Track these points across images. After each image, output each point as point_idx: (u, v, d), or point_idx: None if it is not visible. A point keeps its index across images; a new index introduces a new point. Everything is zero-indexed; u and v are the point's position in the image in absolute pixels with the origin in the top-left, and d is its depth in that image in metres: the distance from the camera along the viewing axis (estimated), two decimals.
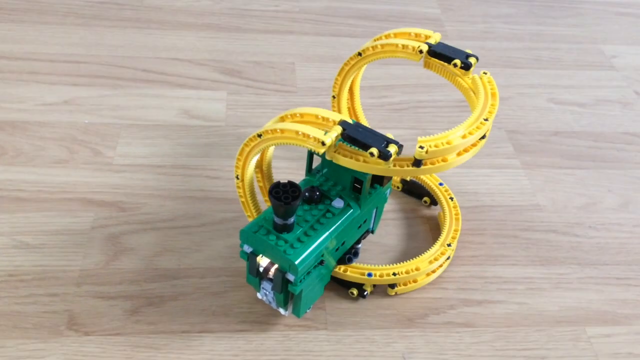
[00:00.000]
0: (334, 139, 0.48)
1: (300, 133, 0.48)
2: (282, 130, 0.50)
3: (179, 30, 0.95)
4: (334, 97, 0.68)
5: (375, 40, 0.61)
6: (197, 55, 0.90)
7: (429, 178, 0.69)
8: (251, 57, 0.92)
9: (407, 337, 0.57)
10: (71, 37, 0.91)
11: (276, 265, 0.51)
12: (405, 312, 0.59)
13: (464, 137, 0.50)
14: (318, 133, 0.48)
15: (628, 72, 0.98)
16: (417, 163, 0.49)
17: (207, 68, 0.88)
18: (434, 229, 0.68)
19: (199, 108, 0.81)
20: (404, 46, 0.57)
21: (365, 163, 0.48)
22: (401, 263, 0.59)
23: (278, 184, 0.49)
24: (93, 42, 0.90)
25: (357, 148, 0.49)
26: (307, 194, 0.54)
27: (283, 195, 0.49)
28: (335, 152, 0.50)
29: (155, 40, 0.92)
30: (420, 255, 0.61)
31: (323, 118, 0.50)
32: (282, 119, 0.53)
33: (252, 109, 0.82)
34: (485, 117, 0.52)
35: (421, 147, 0.48)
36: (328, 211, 0.54)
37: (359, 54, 0.60)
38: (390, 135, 0.49)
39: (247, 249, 0.52)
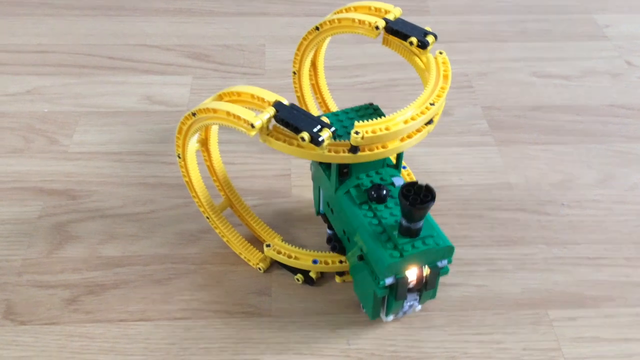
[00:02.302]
0: (264, 121, 0.46)
1: (231, 114, 0.46)
2: (214, 110, 0.47)
3: (150, 16, 0.94)
4: (294, 73, 0.65)
5: (335, 14, 0.58)
6: (166, 40, 0.89)
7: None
8: (221, 40, 0.90)
9: (354, 323, 0.55)
10: (40, 27, 0.90)
11: (425, 268, 0.48)
12: (354, 298, 0.57)
13: (405, 122, 0.46)
14: (249, 115, 0.46)
15: (621, 42, 0.93)
16: (354, 149, 0.46)
17: (175, 53, 0.86)
18: None
19: (162, 94, 0.79)
20: (360, 21, 0.54)
21: (300, 148, 0.46)
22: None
23: (413, 184, 0.45)
24: (62, 31, 0.90)
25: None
26: (374, 193, 0.50)
27: (413, 197, 0.44)
28: (268, 135, 0.47)
29: (125, 27, 0.91)
30: None
31: (258, 98, 0.48)
32: (220, 98, 0.51)
33: (216, 92, 0.80)
34: (431, 102, 0.48)
35: (357, 133, 0.45)
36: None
37: (317, 28, 0.58)
38: (325, 119, 0.46)
39: (389, 280, 0.47)
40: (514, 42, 0.92)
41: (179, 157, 0.55)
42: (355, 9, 0.58)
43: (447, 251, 0.48)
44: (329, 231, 0.57)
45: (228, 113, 0.46)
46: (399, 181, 0.53)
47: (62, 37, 0.88)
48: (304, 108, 0.68)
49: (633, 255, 0.61)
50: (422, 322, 0.55)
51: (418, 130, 0.49)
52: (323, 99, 0.69)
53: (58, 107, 0.76)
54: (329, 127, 0.45)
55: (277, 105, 0.46)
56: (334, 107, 0.70)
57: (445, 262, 0.49)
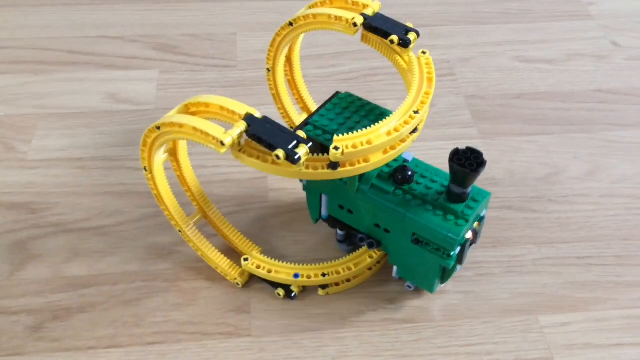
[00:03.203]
0: (235, 137, 0.42)
1: (198, 130, 0.42)
2: (180, 125, 0.43)
3: (111, 4, 0.88)
4: (268, 70, 0.61)
5: (310, 8, 0.54)
6: (129, 31, 0.83)
7: None
8: (188, 29, 0.84)
9: (339, 339, 0.52)
10: None
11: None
12: (339, 310, 0.54)
13: (388, 134, 0.43)
14: (217, 131, 0.42)
15: (606, 21, 0.90)
16: (334, 165, 0.42)
17: (139, 45, 0.81)
18: None
19: (126, 91, 0.74)
20: (337, 17, 0.49)
21: (275, 165, 0.42)
22: (332, 262, 0.54)
23: (457, 151, 0.46)
24: (17, 24, 0.84)
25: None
26: (400, 176, 0.49)
27: (467, 162, 0.45)
28: (240, 151, 0.44)
29: (84, 17, 0.85)
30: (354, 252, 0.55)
31: (228, 110, 0.44)
32: (186, 108, 0.46)
33: (185, 88, 0.75)
34: (415, 110, 0.45)
35: (336, 149, 0.41)
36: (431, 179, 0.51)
37: (290, 23, 0.53)
38: (301, 134, 0.42)
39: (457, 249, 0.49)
40: (495, 24, 0.89)
41: (145, 170, 0.51)
42: (332, 2, 0.54)
43: (488, 200, 0.51)
44: (340, 232, 0.56)
45: (195, 129, 0.42)
46: (408, 156, 0.52)
47: (17, 31, 0.82)
48: (279, 106, 0.64)
49: (623, 253, 0.59)
50: (409, 334, 0.53)
51: (402, 140, 0.45)
52: (300, 95, 0.65)
53: (15, 109, 0.71)
54: (306, 142, 0.41)
55: (249, 119, 0.42)
56: (311, 103, 0.66)
57: (485, 210, 0.51)
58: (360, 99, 0.53)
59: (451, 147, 0.69)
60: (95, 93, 0.74)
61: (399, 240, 0.51)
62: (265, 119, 0.42)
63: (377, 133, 0.43)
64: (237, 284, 0.55)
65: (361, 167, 0.43)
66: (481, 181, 0.65)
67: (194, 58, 0.80)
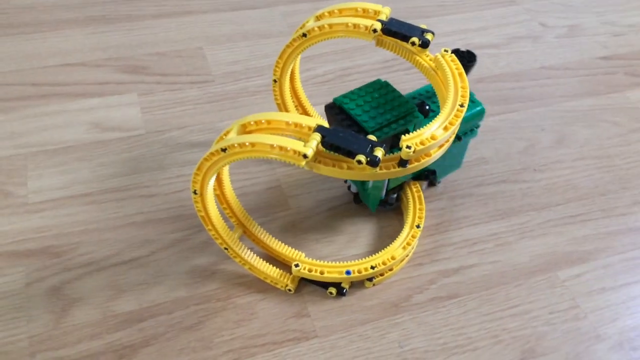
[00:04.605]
0: (314, 148, 0.44)
1: (275, 146, 0.43)
2: (252, 144, 0.44)
3: (61, 29, 0.84)
4: (275, 81, 0.62)
5: (318, 19, 0.56)
6: (90, 56, 0.80)
7: None
8: (152, 48, 0.83)
9: (398, 324, 0.56)
10: None
11: None
12: (389, 298, 0.57)
13: (445, 129, 0.47)
14: (296, 144, 0.43)
15: (528, 4, 1.00)
16: (403, 163, 0.46)
17: (107, 69, 0.79)
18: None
19: (110, 118, 0.72)
20: (355, 25, 0.52)
21: (350, 170, 0.44)
22: (375, 254, 0.57)
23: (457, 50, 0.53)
24: None
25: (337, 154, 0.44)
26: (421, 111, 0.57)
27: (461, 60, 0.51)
28: (315, 160, 0.45)
29: (36, 46, 0.81)
30: (392, 242, 0.59)
31: (296, 125, 0.45)
32: (243, 128, 0.47)
33: (170, 108, 0.74)
34: (460, 103, 0.49)
35: (408, 147, 0.44)
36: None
37: (304, 35, 0.55)
38: (373, 137, 0.45)
39: None
40: (437, 16, 0.96)
41: (195, 194, 0.51)
42: (340, 11, 0.57)
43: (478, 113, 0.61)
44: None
45: (272, 146, 0.44)
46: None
47: None
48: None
49: (605, 206, 0.68)
50: (457, 308, 0.57)
51: (453, 134, 0.50)
52: (300, 102, 0.67)
53: None
54: (380, 145, 0.44)
55: (321, 130, 0.44)
56: (311, 110, 0.68)
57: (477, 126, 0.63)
58: (392, 89, 0.58)
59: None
60: (77, 124, 0.71)
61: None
62: (335, 128, 0.45)
63: (437, 128, 0.47)
64: (289, 290, 0.56)
65: (425, 162, 0.47)
66: (473, 160, 0.72)
67: (168, 77, 0.79)
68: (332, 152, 0.45)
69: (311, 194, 0.66)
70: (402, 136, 0.45)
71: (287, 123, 0.45)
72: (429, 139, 0.46)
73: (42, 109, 0.72)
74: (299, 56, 0.64)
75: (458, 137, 0.61)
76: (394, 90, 0.57)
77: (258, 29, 0.88)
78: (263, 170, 0.68)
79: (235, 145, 0.45)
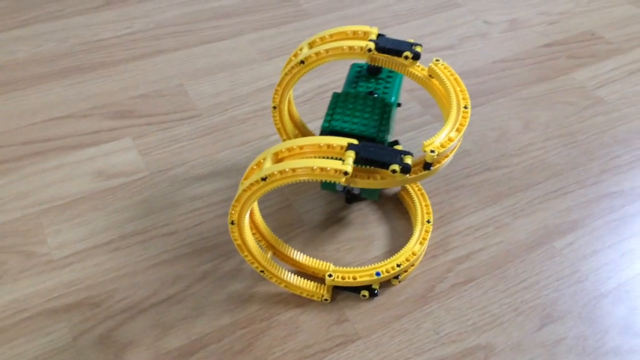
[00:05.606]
0: (352, 165, 0.48)
1: (316, 168, 0.47)
2: (293, 170, 0.48)
3: (38, 84, 0.84)
4: (274, 107, 0.66)
5: (311, 45, 0.60)
6: (75, 107, 0.81)
7: None
8: (134, 91, 0.85)
9: (429, 314, 0.61)
10: None
11: None
12: (415, 292, 0.62)
13: (458, 130, 0.52)
14: (336, 164, 0.47)
15: (471, 5, 1.08)
16: (427, 166, 0.51)
17: (94, 118, 0.80)
18: (396, 205, 0.71)
19: (111, 165, 0.74)
20: (350, 48, 0.57)
21: (383, 180, 0.49)
22: (397, 253, 0.62)
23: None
24: None
25: (370, 167, 0.49)
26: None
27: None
28: (352, 176, 0.50)
29: (17, 105, 0.81)
30: (408, 239, 0.64)
31: (328, 146, 0.49)
32: (276, 156, 0.51)
33: (167, 147, 0.77)
34: (464, 105, 0.55)
35: (432, 151, 0.50)
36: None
37: (302, 62, 0.59)
38: (399, 147, 0.50)
39: None
40: (393, 25, 1.03)
41: (232, 224, 0.54)
42: (332, 36, 0.62)
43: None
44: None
45: (312, 169, 0.48)
46: None
47: None
48: (284, 138, 0.70)
49: (578, 178, 0.76)
50: (477, 289, 0.63)
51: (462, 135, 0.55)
52: (297, 124, 0.71)
53: (7, 215, 0.67)
54: (408, 153, 0.49)
55: (354, 147, 0.49)
56: (308, 131, 0.72)
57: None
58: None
59: (420, 136, 0.81)
60: (80, 176, 0.72)
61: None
62: (364, 144, 0.49)
63: (452, 131, 0.52)
64: (326, 300, 0.60)
65: (444, 162, 0.52)
66: (457, 154, 0.78)
67: (157, 117, 0.81)
68: (361, 165, 0.49)
69: (321, 208, 0.70)
70: (424, 142, 0.51)
71: (319, 145, 0.50)
72: (447, 142, 0.51)
73: (41, 166, 0.73)
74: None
75: (399, 104, 0.68)
76: (356, 94, 0.64)
77: (231, 59, 0.91)
78: (271, 192, 0.71)
79: (276, 173, 0.49)
